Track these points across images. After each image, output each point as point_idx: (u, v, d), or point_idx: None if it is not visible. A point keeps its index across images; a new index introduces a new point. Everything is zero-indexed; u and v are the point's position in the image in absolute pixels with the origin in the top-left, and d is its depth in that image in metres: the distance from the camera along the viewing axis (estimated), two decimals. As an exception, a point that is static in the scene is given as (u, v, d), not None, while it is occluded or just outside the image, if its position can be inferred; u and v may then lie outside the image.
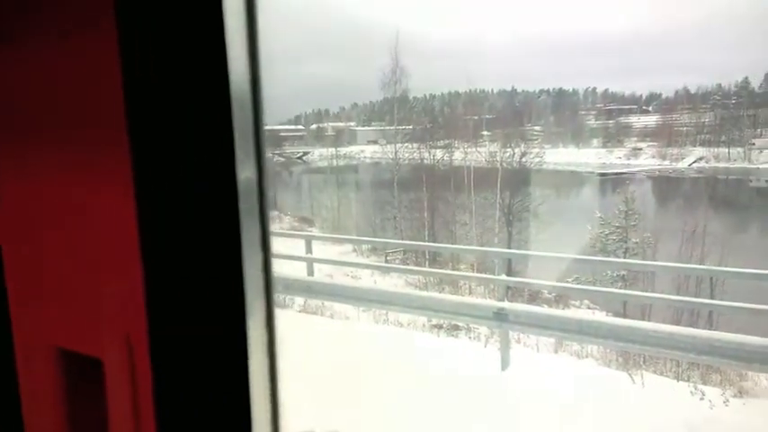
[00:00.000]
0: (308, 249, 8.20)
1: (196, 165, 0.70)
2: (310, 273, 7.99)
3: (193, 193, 0.70)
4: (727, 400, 5.16)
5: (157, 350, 0.72)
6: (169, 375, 0.72)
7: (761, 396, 5.46)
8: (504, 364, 6.01)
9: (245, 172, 0.70)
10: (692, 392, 5.34)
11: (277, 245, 16.26)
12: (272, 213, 32.98)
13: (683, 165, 48.48)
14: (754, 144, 50.74)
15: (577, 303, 16.98)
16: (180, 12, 0.69)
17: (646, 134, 50.57)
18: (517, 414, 4.84)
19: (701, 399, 5.20)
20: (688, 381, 6.05)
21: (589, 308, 16.37)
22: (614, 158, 48.76)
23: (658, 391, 5.29)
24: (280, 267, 10.14)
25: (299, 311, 9.28)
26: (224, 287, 0.70)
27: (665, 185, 43.72)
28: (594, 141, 51.48)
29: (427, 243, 23.44)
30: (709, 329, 8.51)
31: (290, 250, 11.88)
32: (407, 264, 22.28)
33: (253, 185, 0.72)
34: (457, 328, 10.21)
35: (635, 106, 55.08)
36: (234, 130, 0.69)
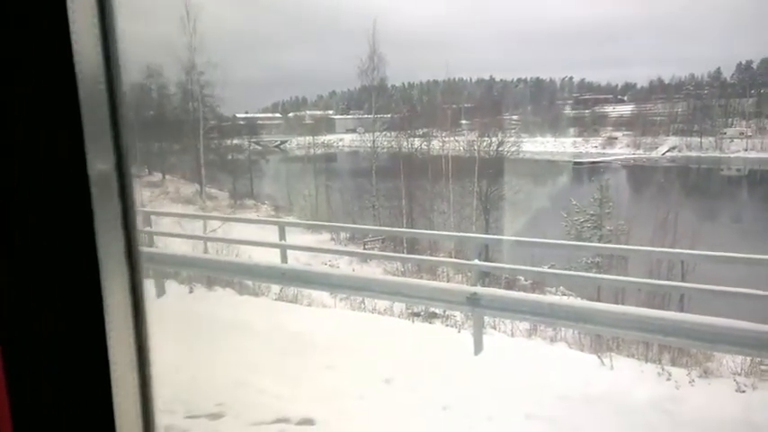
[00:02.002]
0: (282, 236, 8.13)
1: (37, 153, 0.67)
2: (284, 260, 7.93)
3: (36, 178, 0.68)
4: (693, 381, 5.25)
5: (8, 312, 0.70)
6: (20, 337, 0.71)
7: (725, 376, 5.58)
8: (478, 348, 6.04)
9: (98, 163, 0.69)
10: (659, 373, 5.42)
11: (253, 233, 16.13)
12: (249, 202, 32.72)
13: (656, 154, 49.23)
14: (725, 133, 51.76)
15: (553, 290, 17.21)
16: None
17: (621, 123, 51.23)
18: (485, 395, 4.88)
19: (668, 379, 5.28)
20: (658, 362, 6.15)
21: (564, 294, 16.58)
22: (590, 147, 49.32)
23: (626, 372, 5.36)
24: (253, 255, 10.07)
25: (275, 299, 9.22)
26: (75, 262, 0.70)
27: (639, 174, 44.38)
28: (571, 131, 51.99)
29: (404, 229, 23.45)
30: (680, 312, 8.66)
31: (266, 238, 11.79)
32: (385, 252, 22.28)
33: (109, 175, 0.71)
34: (434, 315, 10.23)
35: (610, 96, 55.69)
36: (82, 119, 0.67)
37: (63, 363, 0.72)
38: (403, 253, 22.01)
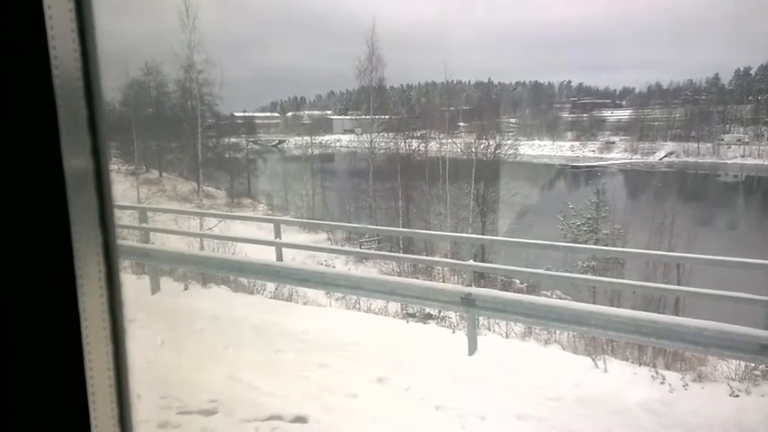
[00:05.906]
0: (277, 234, 8.11)
1: (12, 148, 0.68)
2: (279, 258, 7.91)
3: (11, 172, 0.68)
4: (687, 384, 5.25)
5: None
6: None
7: (719, 380, 5.57)
8: (472, 349, 6.03)
9: (74, 158, 0.70)
10: (653, 377, 5.41)
11: (249, 231, 16.09)
12: (246, 201, 32.67)
13: (653, 159, 49.37)
14: (722, 139, 51.98)
15: (548, 293, 17.20)
16: None
17: (619, 128, 51.35)
18: (478, 395, 4.88)
19: (662, 383, 5.28)
20: (652, 366, 6.14)
21: (560, 298, 16.58)
22: (588, 151, 49.41)
23: (619, 375, 5.36)
24: (249, 253, 10.04)
25: (270, 297, 9.20)
26: (50, 255, 0.71)
27: (636, 179, 44.47)
28: (569, 134, 52.05)
29: (400, 229, 23.42)
30: (674, 316, 8.65)
31: (263, 237, 11.78)
32: (382, 252, 22.28)
33: (85, 171, 0.72)
34: (429, 316, 10.22)
35: (608, 100, 55.80)
36: (58, 115, 0.67)
37: (37, 357, 0.72)
38: (399, 253, 22.01)
